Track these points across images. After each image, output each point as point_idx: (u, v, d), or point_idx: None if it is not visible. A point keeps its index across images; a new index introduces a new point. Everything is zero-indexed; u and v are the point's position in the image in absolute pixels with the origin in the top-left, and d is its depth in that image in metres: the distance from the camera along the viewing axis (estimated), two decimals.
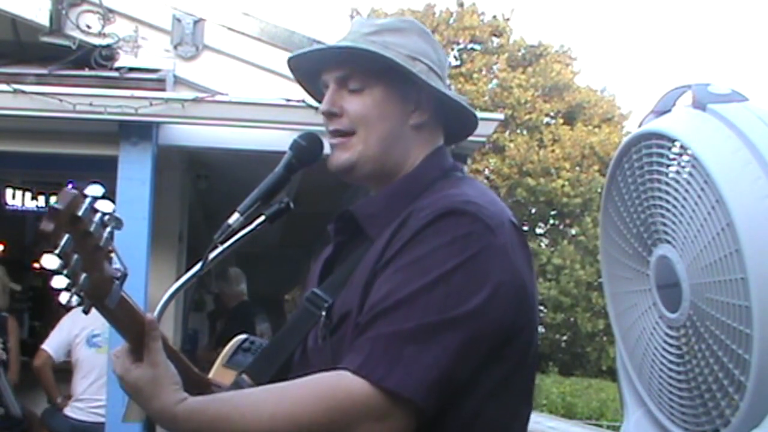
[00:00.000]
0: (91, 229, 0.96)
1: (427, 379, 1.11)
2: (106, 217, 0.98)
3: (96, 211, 0.97)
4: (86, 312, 1.03)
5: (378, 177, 1.36)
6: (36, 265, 8.70)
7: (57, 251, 0.93)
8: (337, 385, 1.12)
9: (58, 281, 0.96)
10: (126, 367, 1.16)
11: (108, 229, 0.98)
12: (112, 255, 1.03)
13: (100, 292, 1.02)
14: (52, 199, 6.85)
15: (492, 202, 1.26)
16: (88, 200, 0.96)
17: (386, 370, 1.11)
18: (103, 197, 0.98)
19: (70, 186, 0.98)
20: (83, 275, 0.97)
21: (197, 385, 1.31)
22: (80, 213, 0.94)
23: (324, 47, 1.36)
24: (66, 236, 0.93)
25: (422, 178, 1.33)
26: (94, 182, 1.00)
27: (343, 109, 1.33)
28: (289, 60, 1.42)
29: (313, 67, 1.39)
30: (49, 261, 0.94)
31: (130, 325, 1.13)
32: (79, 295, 0.98)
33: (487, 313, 1.16)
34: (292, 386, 1.16)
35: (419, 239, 1.19)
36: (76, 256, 0.95)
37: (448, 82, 1.42)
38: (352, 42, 1.33)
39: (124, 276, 1.04)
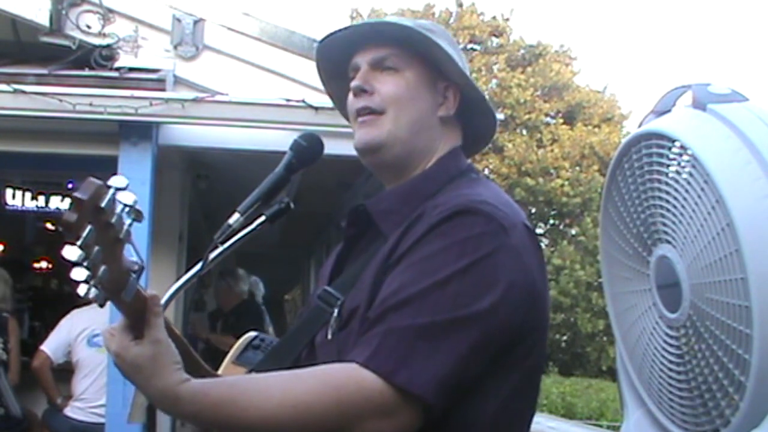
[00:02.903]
0: (113, 220, 0.94)
1: (437, 377, 1.11)
2: (127, 209, 0.97)
3: (118, 202, 0.95)
4: (101, 305, 1.01)
5: (401, 164, 1.35)
6: (36, 265, 8.72)
7: (79, 242, 0.91)
8: (349, 377, 1.11)
9: (78, 273, 0.94)
10: (124, 344, 1.09)
11: (128, 221, 0.97)
12: (129, 247, 1.01)
13: (118, 286, 1.00)
14: (61, 204, 6.85)
15: (506, 203, 1.25)
16: (111, 191, 0.94)
17: (396, 364, 1.10)
18: (125, 188, 0.96)
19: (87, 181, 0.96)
20: (102, 267, 0.95)
21: (196, 371, 1.27)
22: (103, 204, 0.92)
23: (371, 22, 1.36)
24: (88, 227, 0.91)
25: (438, 176, 1.33)
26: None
27: (374, 87, 1.33)
28: (322, 44, 1.40)
29: (343, 53, 1.38)
30: (71, 252, 0.91)
31: (138, 309, 1.09)
32: (96, 288, 0.97)
33: (499, 313, 1.15)
34: (302, 375, 1.14)
35: (432, 236, 1.18)
36: (97, 248, 0.93)
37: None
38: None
39: (141, 269, 1.02)
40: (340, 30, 1.38)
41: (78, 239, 0.91)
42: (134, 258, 1.02)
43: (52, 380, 4.84)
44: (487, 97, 1.39)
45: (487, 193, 1.25)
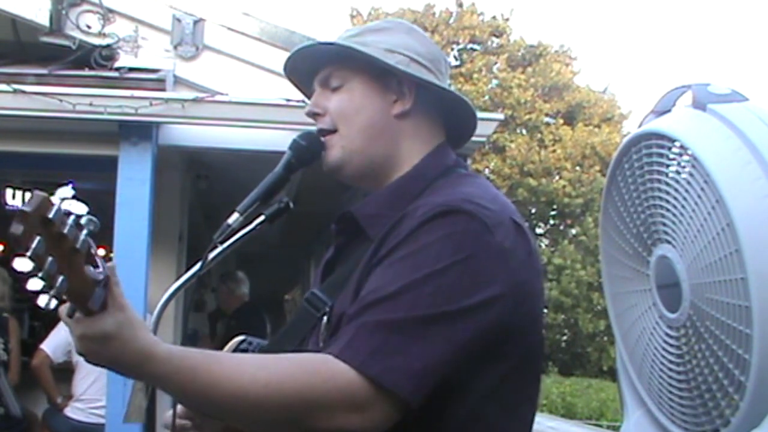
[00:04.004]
0: (65, 231, 0.94)
1: (410, 371, 1.09)
2: (82, 219, 0.97)
3: (69, 213, 0.96)
4: (70, 315, 1.02)
5: (371, 174, 1.35)
6: None
7: (29, 253, 0.92)
8: (323, 365, 1.10)
9: (34, 284, 0.95)
10: (87, 323, 1.03)
11: (84, 232, 0.97)
12: (97, 259, 1.00)
13: (83, 296, 1.00)
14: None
15: (492, 199, 1.24)
16: (58, 202, 0.95)
17: (367, 356, 1.09)
18: (73, 198, 0.97)
19: (68, 187, 0.97)
20: (60, 277, 0.95)
21: None
22: (51, 215, 0.93)
23: (296, 49, 1.39)
24: (37, 238, 0.92)
25: (422, 176, 1.32)
26: (67, 183, 0.99)
27: (325, 108, 1.35)
28: (285, 72, 1.44)
29: (306, 76, 1.41)
30: (21, 263, 0.94)
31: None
32: (57, 298, 0.97)
33: (480, 314, 1.14)
34: (280, 358, 1.14)
35: (413, 237, 1.18)
36: (50, 259, 0.93)
37: (448, 80, 1.41)
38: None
39: (107, 279, 1.02)
40: (290, 58, 1.40)
41: (27, 250, 0.92)
42: (100, 269, 1.01)
43: (52, 379, 4.85)
44: (449, 87, 1.38)
45: (471, 191, 1.24)
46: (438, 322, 1.12)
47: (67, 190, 0.97)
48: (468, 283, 1.14)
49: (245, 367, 1.10)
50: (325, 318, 1.27)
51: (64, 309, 1.06)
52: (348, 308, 1.21)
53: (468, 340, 1.14)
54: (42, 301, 0.96)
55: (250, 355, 1.16)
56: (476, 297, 1.14)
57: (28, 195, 6.88)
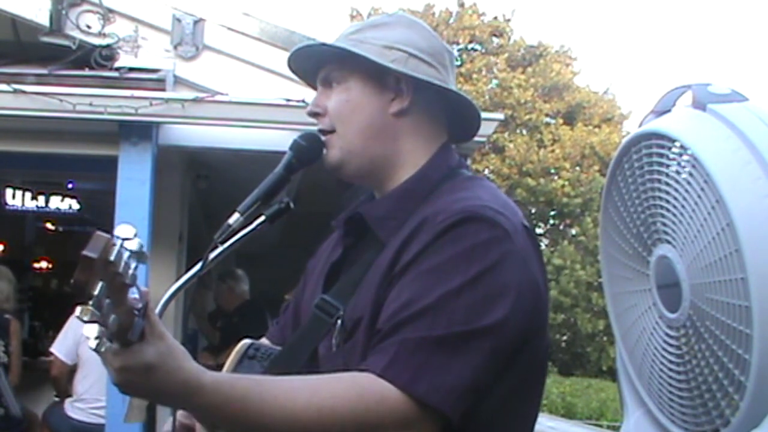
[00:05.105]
0: (120, 269, 0.92)
1: (454, 389, 1.11)
2: (133, 254, 0.95)
3: (125, 250, 0.94)
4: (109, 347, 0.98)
5: (372, 173, 1.35)
6: (36, 265, 8.72)
7: (92, 302, 0.89)
8: (371, 386, 1.10)
9: (91, 330, 0.92)
10: (126, 353, 0.99)
11: (134, 265, 0.95)
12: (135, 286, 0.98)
13: (125, 328, 0.97)
14: (61, 203, 6.81)
15: (505, 205, 1.25)
16: (119, 243, 0.93)
17: (413, 375, 1.10)
18: (132, 238, 0.95)
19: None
20: (112, 317, 0.93)
21: None
22: (112, 258, 0.91)
23: (294, 50, 1.38)
24: (100, 284, 0.90)
25: (428, 178, 1.31)
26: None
27: (325, 107, 1.34)
28: (289, 66, 1.43)
29: (312, 73, 1.40)
30: (86, 313, 0.90)
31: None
32: (108, 338, 0.95)
33: (511, 323, 1.15)
34: (328, 379, 1.13)
35: (438, 245, 1.17)
36: (107, 301, 0.92)
37: (454, 74, 1.39)
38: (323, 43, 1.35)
39: (146, 305, 1.00)
40: (291, 56, 1.39)
41: (90, 298, 0.90)
42: (136, 295, 0.99)
43: (68, 387, 4.83)
44: (449, 84, 1.35)
45: (486, 196, 1.25)
46: (475, 338, 1.13)
47: (128, 230, 0.95)
48: (498, 292, 1.15)
49: (297, 393, 1.09)
50: (339, 322, 1.25)
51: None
52: (366, 314, 1.21)
53: (501, 350, 1.15)
54: (92, 344, 0.93)
55: (299, 379, 1.13)
56: (506, 306, 1.15)
57: (28, 195, 6.91)
